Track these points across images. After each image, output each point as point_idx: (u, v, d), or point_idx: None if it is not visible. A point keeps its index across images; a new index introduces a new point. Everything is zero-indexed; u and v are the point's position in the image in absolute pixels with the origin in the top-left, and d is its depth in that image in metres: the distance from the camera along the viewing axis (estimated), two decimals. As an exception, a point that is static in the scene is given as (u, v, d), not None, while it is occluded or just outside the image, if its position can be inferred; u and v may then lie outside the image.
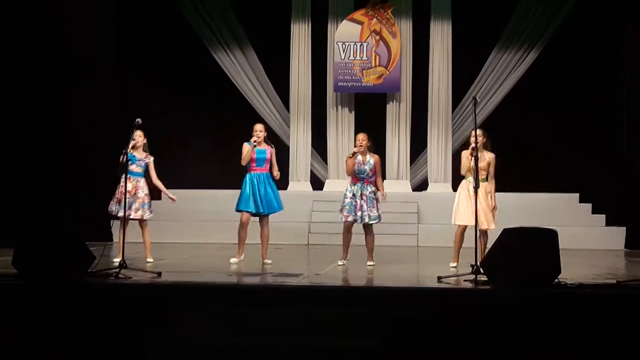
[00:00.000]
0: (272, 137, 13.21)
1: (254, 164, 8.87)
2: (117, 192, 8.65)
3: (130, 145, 8.36)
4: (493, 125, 12.94)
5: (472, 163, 8.07)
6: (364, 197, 8.56)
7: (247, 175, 8.90)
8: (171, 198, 8.97)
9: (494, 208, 8.39)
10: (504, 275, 6.49)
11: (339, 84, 13.75)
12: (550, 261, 6.48)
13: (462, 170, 8.51)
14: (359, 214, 8.55)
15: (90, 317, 6.09)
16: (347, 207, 8.59)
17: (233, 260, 8.79)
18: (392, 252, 10.57)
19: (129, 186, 8.51)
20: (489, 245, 7.95)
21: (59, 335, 6.04)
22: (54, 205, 11.68)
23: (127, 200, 8.22)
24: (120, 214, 8.36)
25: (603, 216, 12.72)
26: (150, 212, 8.85)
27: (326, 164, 14.09)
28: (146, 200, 8.80)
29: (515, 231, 6.74)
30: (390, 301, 6.20)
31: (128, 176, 8.27)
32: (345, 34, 13.68)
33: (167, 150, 13.18)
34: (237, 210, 8.86)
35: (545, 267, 6.46)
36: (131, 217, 8.64)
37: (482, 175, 8.21)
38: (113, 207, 8.68)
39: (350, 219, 8.58)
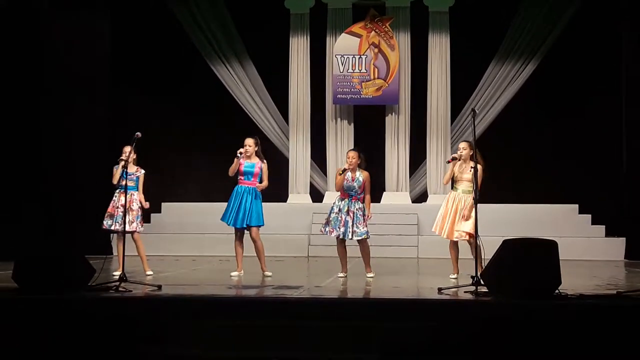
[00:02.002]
0: (272, 150, 13.30)
1: (242, 177, 8.83)
2: (109, 206, 8.82)
3: (127, 160, 8.41)
4: (492, 137, 13.04)
5: (457, 174, 8.35)
6: (350, 214, 8.55)
7: (235, 187, 8.91)
8: (144, 204, 9.03)
9: (467, 218, 8.29)
10: (504, 286, 6.49)
11: (338, 96, 13.78)
12: (550, 272, 6.48)
13: (443, 180, 8.65)
14: (342, 229, 8.53)
15: (90, 331, 6.09)
16: (332, 221, 8.60)
17: (234, 274, 8.79)
18: (392, 263, 10.56)
19: (123, 199, 8.60)
20: (487, 255, 7.98)
21: (60, 350, 6.03)
22: (52, 220, 11.69)
23: (121, 213, 8.55)
24: (113, 227, 8.60)
25: (603, 227, 12.74)
26: (142, 225, 8.98)
27: (325, 176, 14.10)
28: (139, 213, 8.95)
29: (516, 242, 6.74)
30: (390, 313, 6.20)
31: (122, 190, 8.46)
32: (344, 46, 13.73)
33: (167, 165, 13.23)
34: (220, 220, 8.91)
35: (545, 278, 6.46)
36: (126, 229, 8.72)
37: (467, 185, 8.26)
38: (106, 222, 8.83)
39: (334, 234, 8.60)
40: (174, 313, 6.26)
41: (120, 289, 6.90)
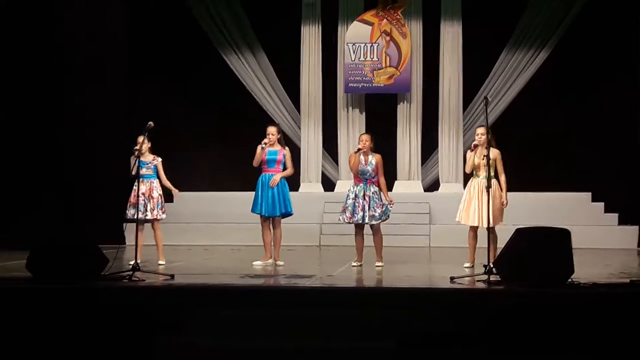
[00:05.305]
0: (284, 139, 13.28)
1: (265, 165, 8.89)
2: (131, 196, 8.79)
3: (139, 150, 8.45)
4: (504, 125, 12.97)
5: (478, 160, 8.21)
6: (367, 198, 8.55)
7: (260, 177, 8.93)
8: (174, 191, 9.17)
9: (504, 204, 8.37)
10: (517, 275, 6.48)
11: (350, 84, 13.75)
12: (563, 261, 6.47)
13: (466, 168, 8.55)
14: (360, 214, 8.52)
15: (103, 320, 6.12)
16: (349, 207, 8.58)
17: (257, 263, 8.78)
18: (404, 252, 10.56)
19: (143, 188, 8.81)
20: (500, 244, 7.98)
21: (73, 339, 6.07)
22: (66, 209, 11.74)
23: (142, 201, 8.65)
24: (136, 216, 8.60)
25: (616, 215, 12.66)
26: (163, 212, 9.01)
27: (337, 164, 14.09)
28: (160, 201, 8.99)
29: (528, 231, 6.73)
30: (403, 302, 6.20)
31: (141, 179, 8.57)
32: (356, 35, 13.68)
33: (180, 154, 13.24)
34: (252, 212, 8.92)
35: (558, 267, 6.45)
36: (147, 217, 8.80)
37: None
38: (129, 211, 8.81)
39: (353, 220, 8.58)
40: (186, 302, 6.29)
41: (133, 278, 6.94)
